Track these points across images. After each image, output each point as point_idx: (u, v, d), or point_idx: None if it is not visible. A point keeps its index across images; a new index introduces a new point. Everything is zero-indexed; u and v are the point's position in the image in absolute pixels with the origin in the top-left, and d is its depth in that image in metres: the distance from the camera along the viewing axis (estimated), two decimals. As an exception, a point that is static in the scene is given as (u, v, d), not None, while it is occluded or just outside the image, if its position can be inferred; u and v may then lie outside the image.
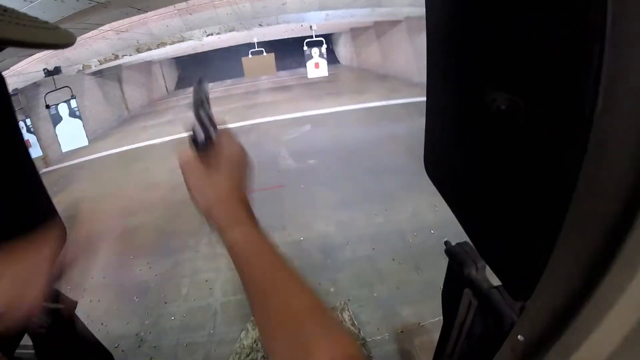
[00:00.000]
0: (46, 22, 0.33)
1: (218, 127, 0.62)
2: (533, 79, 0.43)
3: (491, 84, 0.51)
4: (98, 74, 12.64)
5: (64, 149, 8.05)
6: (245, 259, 0.53)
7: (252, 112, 11.53)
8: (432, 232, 4.00)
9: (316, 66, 11.24)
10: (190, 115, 0.60)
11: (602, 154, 0.38)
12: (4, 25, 0.27)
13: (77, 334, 1.39)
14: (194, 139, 0.58)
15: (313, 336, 0.43)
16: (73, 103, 7.92)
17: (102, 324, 3.32)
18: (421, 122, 0.83)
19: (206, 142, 0.59)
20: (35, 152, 7.51)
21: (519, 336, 0.59)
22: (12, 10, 0.30)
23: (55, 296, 1.32)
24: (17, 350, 0.98)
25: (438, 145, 0.80)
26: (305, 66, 11.54)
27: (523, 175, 0.48)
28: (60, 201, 6.50)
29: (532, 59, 0.42)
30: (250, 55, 11.68)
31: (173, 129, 10.73)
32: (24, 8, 3.36)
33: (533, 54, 0.42)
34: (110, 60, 9.37)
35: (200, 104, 0.60)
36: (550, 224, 0.44)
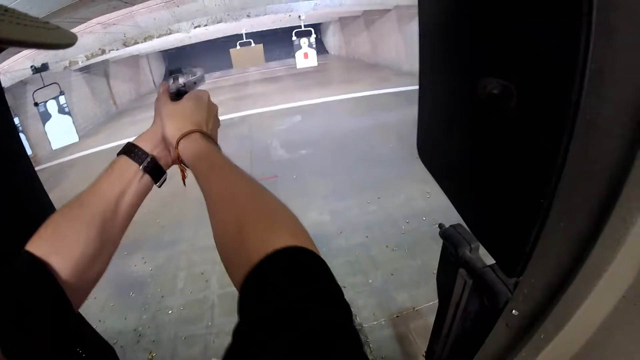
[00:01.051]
0: (47, 22, 0.33)
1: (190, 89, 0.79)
2: (524, 64, 0.45)
3: (483, 70, 0.53)
4: (85, 69, 12.43)
5: (54, 146, 7.92)
6: (195, 158, 0.63)
7: (242, 103, 11.45)
8: (424, 218, 4.04)
9: (305, 56, 11.17)
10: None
11: (589, 136, 0.41)
12: (5, 25, 0.27)
13: (78, 328, 1.41)
14: (170, 92, 0.76)
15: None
16: (62, 99, 7.78)
17: (99, 320, 3.32)
18: (411, 110, 0.84)
19: (179, 93, 0.76)
20: (25, 151, 7.35)
21: (513, 311, 0.62)
22: (13, 10, 0.30)
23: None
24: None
25: (431, 132, 0.82)
26: (294, 56, 11.46)
27: (514, 158, 0.50)
28: (52, 198, 6.44)
29: (523, 45, 0.44)
30: (238, 47, 11.55)
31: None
32: (12, 4, 3.29)
33: (524, 40, 0.44)
34: (97, 55, 9.20)
35: (180, 71, 0.79)
36: (540, 203, 0.45)
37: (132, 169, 0.67)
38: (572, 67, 0.37)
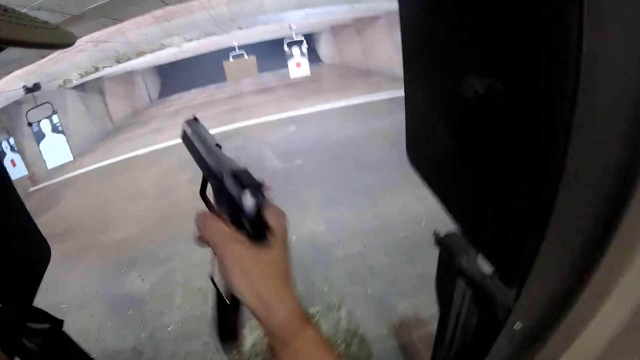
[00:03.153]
0: (46, 22, 0.33)
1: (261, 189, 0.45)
2: (510, 60, 0.41)
3: (467, 69, 0.50)
4: (80, 87, 12.45)
5: (49, 165, 7.99)
6: None
7: (237, 115, 11.45)
8: (422, 224, 4.02)
9: (298, 65, 11.26)
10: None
11: (588, 134, 0.36)
12: (4, 25, 0.27)
13: (68, 353, 1.38)
14: (248, 219, 0.44)
15: None
16: (55, 119, 7.89)
17: (97, 339, 3.28)
18: (404, 116, 0.83)
19: (255, 213, 0.44)
20: (20, 171, 7.36)
21: (515, 324, 0.58)
22: (13, 10, 0.29)
23: (43, 316, 1.31)
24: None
25: (419, 136, 0.80)
26: (287, 66, 11.53)
27: (507, 160, 0.46)
28: (49, 219, 6.43)
29: (508, 41, 0.40)
30: (231, 59, 11.62)
31: (158, 138, 10.65)
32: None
33: (509, 35, 0.40)
34: (91, 72, 9.23)
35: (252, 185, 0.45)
36: (540, 208, 0.42)
37: None
38: (565, 55, 0.33)
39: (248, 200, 0.43)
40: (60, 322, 1.36)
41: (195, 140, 0.55)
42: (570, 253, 0.44)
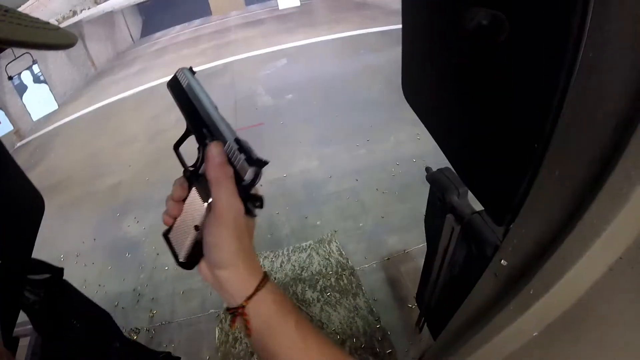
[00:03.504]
0: (47, 23, 0.33)
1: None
2: None
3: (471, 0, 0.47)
4: (57, 32, 11.81)
5: (35, 117, 7.83)
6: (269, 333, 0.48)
7: (224, 51, 11.00)
8: (414, 160, 3.99)
9: (287, -6, 10.56)
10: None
11: (592, 77, 0.35)
12: (5, 25, 0.27)
13: (70, 300, 1.41)
14: (243, 187, 0.47)
15: None
16: (35, 68, 7.64)
17: (99, 285, 3.38)
18: (400, 51, 0.78)
19: (253, 186, 0.47)
20: (5, 127, 7.17)
21: (502, 261, 0.59)
22: (14, 11, 0.30)
23: (42, 267, 1.30)
24: (15, 329, 0.98)
25: (416, 70, 0.77)
26: (274, -3, 10.85)
27: (505, 97, 0.45)
28: (40, 171, 6.38)
29: None
30: (215, -9, 10.89)
31: (143, 78, 10.31)
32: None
33: None
34: (69, 17, 8.74)
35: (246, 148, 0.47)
36: (534, 148, 0.42)
37: None
38: None
39: (250, 175, 0.46)
40: (60, 270, 1.37)
41: (191, 94, 0.53)
42: (561, 196, 0.44)
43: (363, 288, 2.73)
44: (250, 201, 0.48)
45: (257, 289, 0.48)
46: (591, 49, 0.34)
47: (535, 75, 0.39)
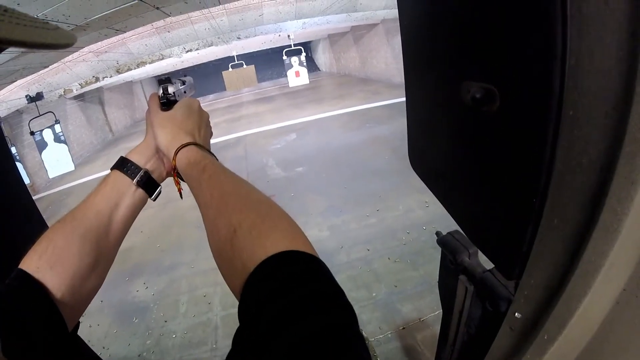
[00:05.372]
0: (46, 22, 0.33)
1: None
2: (504, 66, 0.45)
3: (465, 74, 0.54)
4: (80, 97, 12.52)
5: (51, 175, 7.96)
6: (189, 167, 0.62)
7: (237, 125, 11.51)
8: (424, 228, 4.04)
9: (297, 75, 11.34)
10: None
11: (574, 130, 0.41)
12: (5, 25, 0.27)
13: (82, 356, 1.40)
14: (161, 102, 0.76)
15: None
16: (57, 128, 7.87)
17: (103, 347, 3.28)
18: (404, 122, 0.85)
19: (169, 103, 0.76)
20: (22, 179, 7.33)
21: (516, 314, 0.61)
22: (13, 10, 0.29)
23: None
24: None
25: (421, 139, 0.83)
26: (286, 75, 11.62)
27: (503, 159, 0.50)
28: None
29: (502, 47, 0.45)
30: (230, 69, 11.69)
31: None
32: None
33: (503, 42, 0.45)
34: (91, 82, 9.30)
35: (169, 81, 0.79)
36: (533, 202, 0.46)
37: (125, 183, 0.66)
38: (552, 63, 0.38)
39: (160, 89, 0.77)
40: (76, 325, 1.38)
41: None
42: (562, 240, 0.48)
43: (378, 359, 2.65)
44: (166, 104, 0.75)
45: (177, 151, 0.64)
46: (571, 107, 0.39)
47: (526, 137, 0.44)
